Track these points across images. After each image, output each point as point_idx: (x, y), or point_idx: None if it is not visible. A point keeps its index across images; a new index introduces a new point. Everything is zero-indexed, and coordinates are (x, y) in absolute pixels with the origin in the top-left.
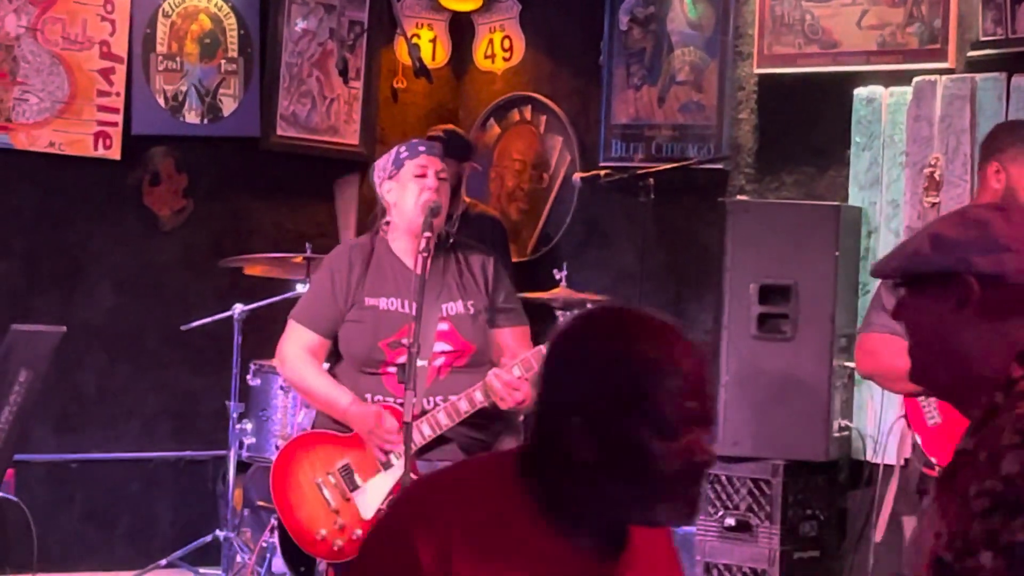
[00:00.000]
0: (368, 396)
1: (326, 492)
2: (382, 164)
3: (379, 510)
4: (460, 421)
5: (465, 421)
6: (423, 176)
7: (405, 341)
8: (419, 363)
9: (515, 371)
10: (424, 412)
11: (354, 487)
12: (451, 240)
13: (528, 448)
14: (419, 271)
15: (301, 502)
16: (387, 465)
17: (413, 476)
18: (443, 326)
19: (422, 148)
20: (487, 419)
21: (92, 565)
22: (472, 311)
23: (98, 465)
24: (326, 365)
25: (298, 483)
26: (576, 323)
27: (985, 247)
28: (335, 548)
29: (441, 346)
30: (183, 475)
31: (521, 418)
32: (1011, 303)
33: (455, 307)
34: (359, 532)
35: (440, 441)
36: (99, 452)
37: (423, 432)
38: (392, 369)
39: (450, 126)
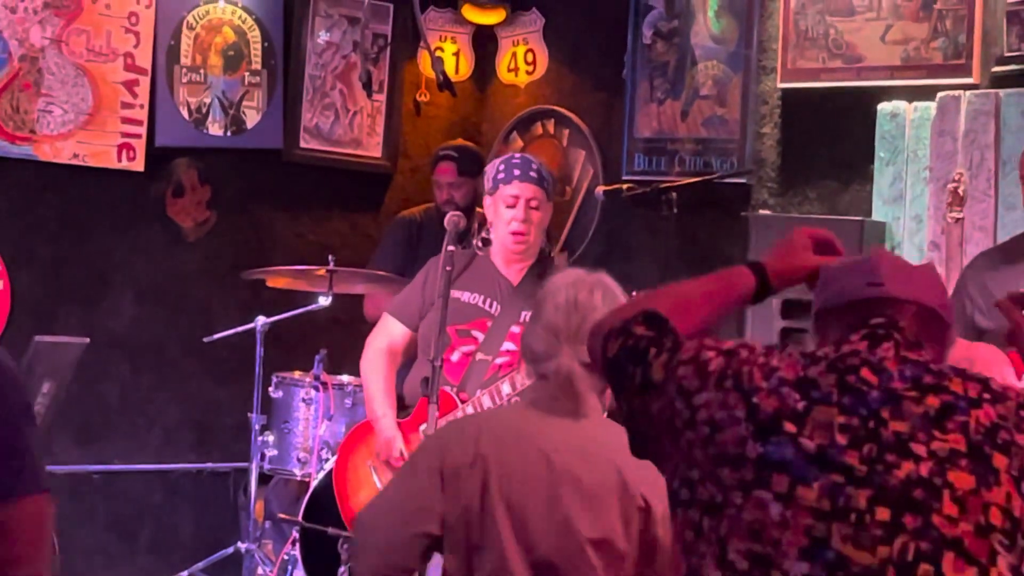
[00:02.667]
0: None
1: (376, 476)
2: (488, 175)
3: None
4: None
5: None
6: (513, 206)
7: (474, 332)
8: (482, 357)
9: None
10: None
11: None
12: (549, 253)
13: None
14: (444, 277)
15: (356, 488)
16: None
17: None
18: (515, 329)
19: (517, 173)
20: None
21: None
22: None
23: (120, 476)
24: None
25: (356, 469)
26: None
27: None
28: None
29: (508, 346)
30: (205, 487)
31: None
32: None
33: None
34: None
35: None
36: (121, 463)
37: (483, 403)
38: (455, 357)
39: (460, 141)
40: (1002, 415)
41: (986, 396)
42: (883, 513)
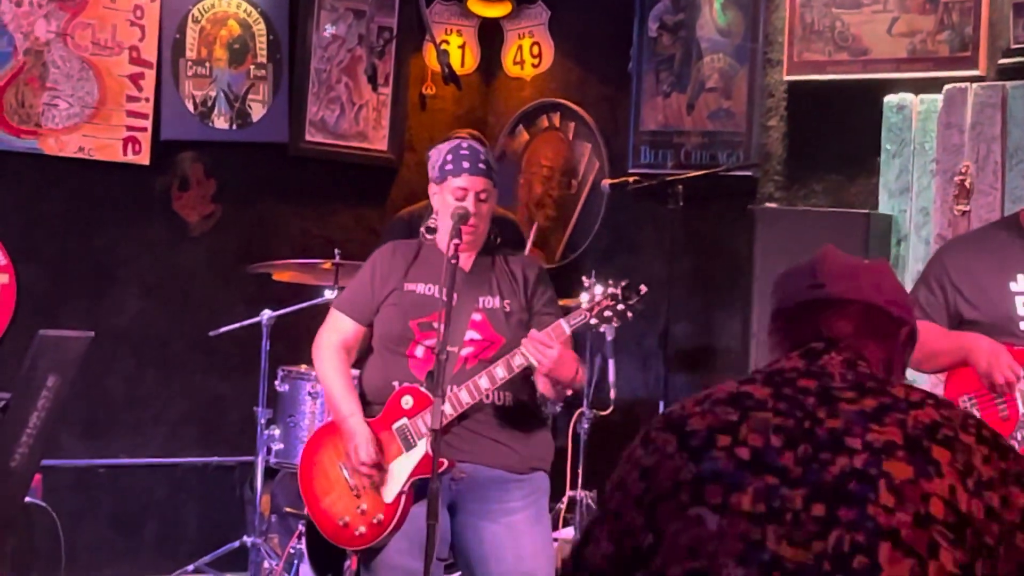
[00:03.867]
0: (395, 383)
1: (348, 476)
2: (433, 162)
3: (400, 493)
4: (493, 426)
5: (497, 427)
6: (462, 199)
7: (436, 325)
8: (448, 348)
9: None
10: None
11: (379, 471)
12: (498, 240)
13: None
14: (447, 278)
15: (326, 489)
16: (409, 446)
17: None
18: (476, 316)
19: (466, 166)
20: (515, 424)
21: (119, 570)
22: (508, 309)
23: (125, 470)
24: (355, 372)
25: (324, 470)
26: None
27: None
28: (357, 534)
29: (471, 335)
30: (210, 481)
31: (549, 420)
32: None
33: (492, 302)
34: (380, 517)
35: (466, 441)
36: (126, 457)
37: (461, 399)
38: (420, 352)
39: (467, 132)
40: (945, 416)
41: (929, 401)
42: (818, 509)
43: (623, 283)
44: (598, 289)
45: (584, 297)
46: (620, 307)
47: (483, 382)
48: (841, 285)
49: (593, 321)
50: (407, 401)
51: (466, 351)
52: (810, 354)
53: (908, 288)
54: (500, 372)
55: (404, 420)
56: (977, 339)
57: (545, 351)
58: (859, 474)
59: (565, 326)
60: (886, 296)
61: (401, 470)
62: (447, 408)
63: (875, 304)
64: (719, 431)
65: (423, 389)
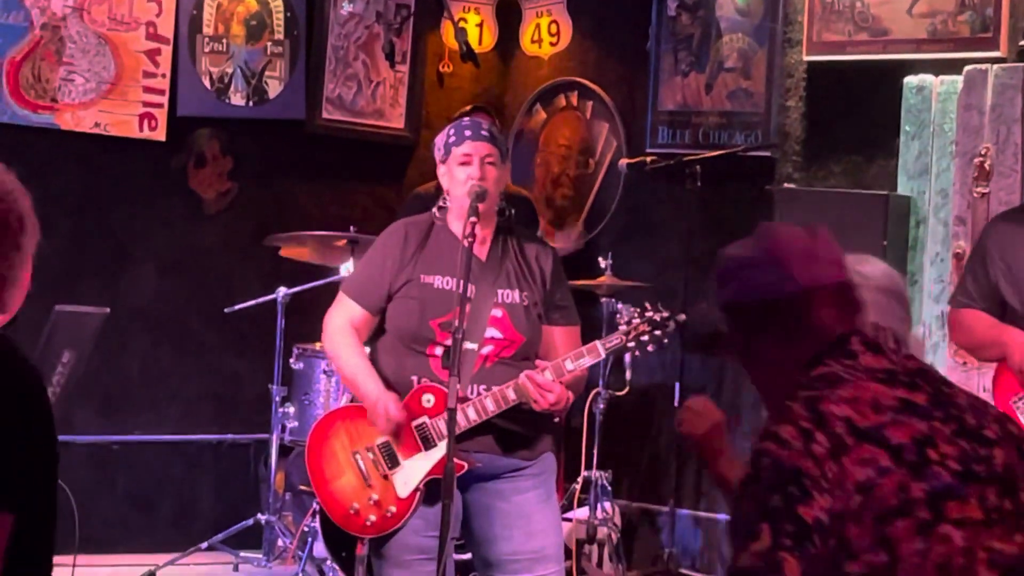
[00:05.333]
0: (414, 378)
1: (363, 466)
2: (437, 143)
3: (416, 489)
4: (502, 414)
5: (505, 413)
6: (468, 164)
7: (454, 323)
8: (468, 346)
9: (547, 375)
10: (466, 399)
11: (394, 465)
12: (509, 220)
13: None
14: (465, 256)
15: (337, 474)
16: (428, 446)
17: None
18: (496, 312)
19: (468, 133)
20: (526, 412)
21: (133, 547)
22: (527, 303)
23: (140, 447)
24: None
25: (335, 454)
26: None
27: None
28: (367, 523)
29: (492, 332)
30: (225, 458)
31: (556, 419)
32: None
33: (511, 295)
34: (393, 509)
35: (480, 432)
36: (141, 434)
37: (468, 416)
38: (439, 350)
39: (474, 106)
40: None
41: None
42: (1008, 503)
43: (663, 312)
44: (636, 313)
45: (622, 319)
46: (657, 333)
47: (510, 394)
48: (808, 272)
49: (630, 344)
50: (428, 400)
51: (486, 349)
52: (877, 349)
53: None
54: (510, 395)
55: (425, 419)
56: (1013, 335)
57: (545, 395)
58: (1013, 464)
59: (601, 349)
60: (842, 263)
61: (418, 468)
62: (471, 413)
63: (842, 280)
64: (924, 444)
65: (446, 389)
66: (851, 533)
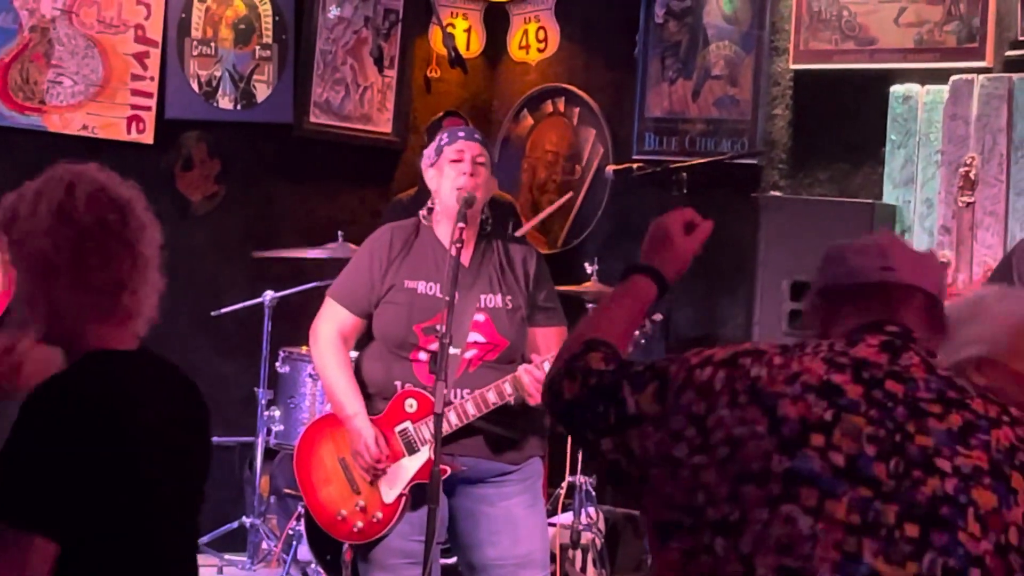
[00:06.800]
0: (398, 383)
1: (350, 472)
2: (428, 151)
3: (401, 495)
4: (486, 415)
5: (491, 416)
6: (459, 161)
7: (439, 328)
8: (452, 351)
9: (546, 366)
10: (450, 403)
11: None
12: (489, 227)
13: None
14: (452, 262)
15: (324, 480)
16: (412, 451)
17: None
18: (479, 317)
19: (461, 134)
20: (513, 416)
21: None
22: (510, 306)
23: None
24: (354, 354)
25: (322, 461)
26: None
27: None
28: (355, 529)
29: (475, 337)
30: (210, 461)
31: (547, 418)
32: None
33: (493, 300)
34: (379, 515)
35: (467, 436)
36: None
37: (450, 421)
38: (424, 356)
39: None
40: (1021, 437)
41: (1005, 418)
42: (912, 529)
43: None
44: None
45: None
46: (635, 333)
47: (491, 396)
48: (910, 271)
49: None
50: (411, 404)
51: (469, 353)
52: (889, 347)
53: None
54: (492, 397)
55: (408, 424)
56: None
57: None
58: (951, 500)
59: None
60: (939, 288)
61: (402, 473)
62: (452, 417)
63: (933, 294)
64: (813, 428)
65: (428, 394)
66: (709, 479)
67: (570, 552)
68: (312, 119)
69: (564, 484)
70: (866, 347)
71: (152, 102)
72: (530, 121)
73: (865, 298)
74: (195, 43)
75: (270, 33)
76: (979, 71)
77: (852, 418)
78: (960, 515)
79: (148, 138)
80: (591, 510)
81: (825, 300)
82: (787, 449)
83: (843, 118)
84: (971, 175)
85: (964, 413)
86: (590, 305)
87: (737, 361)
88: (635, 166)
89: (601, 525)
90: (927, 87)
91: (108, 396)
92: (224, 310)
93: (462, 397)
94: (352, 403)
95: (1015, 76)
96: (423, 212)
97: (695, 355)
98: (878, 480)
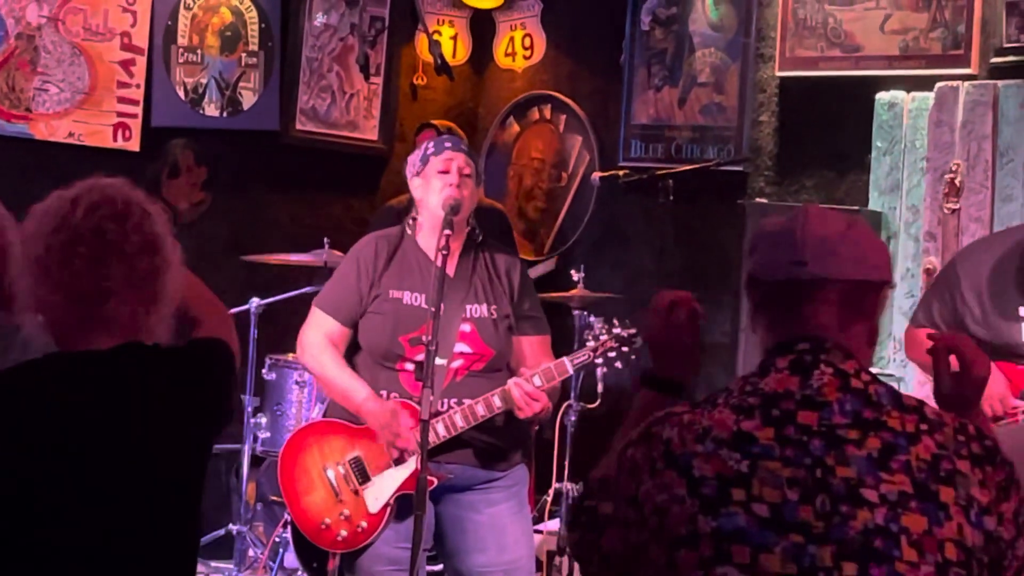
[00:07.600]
0: (384, 392)
1: (334, 482)
2: (412, 159)
3: (387, 504)
4: (475, 426)
5: (480, 426)
6: (446, 172)
7: (425, 338)
8: (438, 361)
9: (535, 380)
10: (438, 413)
11: (364, 480)
12: (479, 237)
13: None
14: (438, 271)
15: (308, 489)
16: (399, 461)
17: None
18: (465, 327)
19: (448, 144)
20: (499, 424)
21: None
22: (495, 316)
23: None
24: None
25: (306, 469)
26: None
27: None
28: (339, 538)
29: (461, 347)
30: (195, 469)
31: (535, 428)
32: None
33: (479, 310)
34: (364, 524)
35: (453, 445)
36: None
37: (438, 432)
38: (410, 366)
39: (446, 122)
40: (941, 444)
41: (923, 427)
42: (850, 568)
43: (631, 330)
44: (604, 329)
45: (591, 334)
46: (624, 349)
47: (479, 409)
48: (823, 262)
49: (598, 360)
50: None
51: (456, 364)
52: (799, 367)
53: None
54: (480, 410)
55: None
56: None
57: (532, 404)
58: (883, 531)
59: (569, 366)
60: (870, 262)
61: (389, 482)
62: (440, 429)
63: (858, 280)
64: (731, 483)
65: (416, 405)
66: (652, 553)
67: (557, 559)
68: (298, 126)
69: (551, 491)
70: (776, 374)
71: (138, 109)
72: (516, 128)
73: (776, 303)
74: (181, 50)
75: (256, 40)
76: (964, 78)
77: (768, 464)
78: (894, 545)
79: (134, 145)
80: None
81: (749, 294)
82: (710, 509)
83: (829, 125)
84: (956, 182)
85: (882, 434)
86: (576, 312)
87: (650, 431)
88: (621, 173)
89: None
90: (912, 94)
91: (21, 403)
92: None
93: (449, 407)
94: (360, 389)
95: (1000, 83)
96: (408, 221)
97: (620, 443)
98: (807, 524)
